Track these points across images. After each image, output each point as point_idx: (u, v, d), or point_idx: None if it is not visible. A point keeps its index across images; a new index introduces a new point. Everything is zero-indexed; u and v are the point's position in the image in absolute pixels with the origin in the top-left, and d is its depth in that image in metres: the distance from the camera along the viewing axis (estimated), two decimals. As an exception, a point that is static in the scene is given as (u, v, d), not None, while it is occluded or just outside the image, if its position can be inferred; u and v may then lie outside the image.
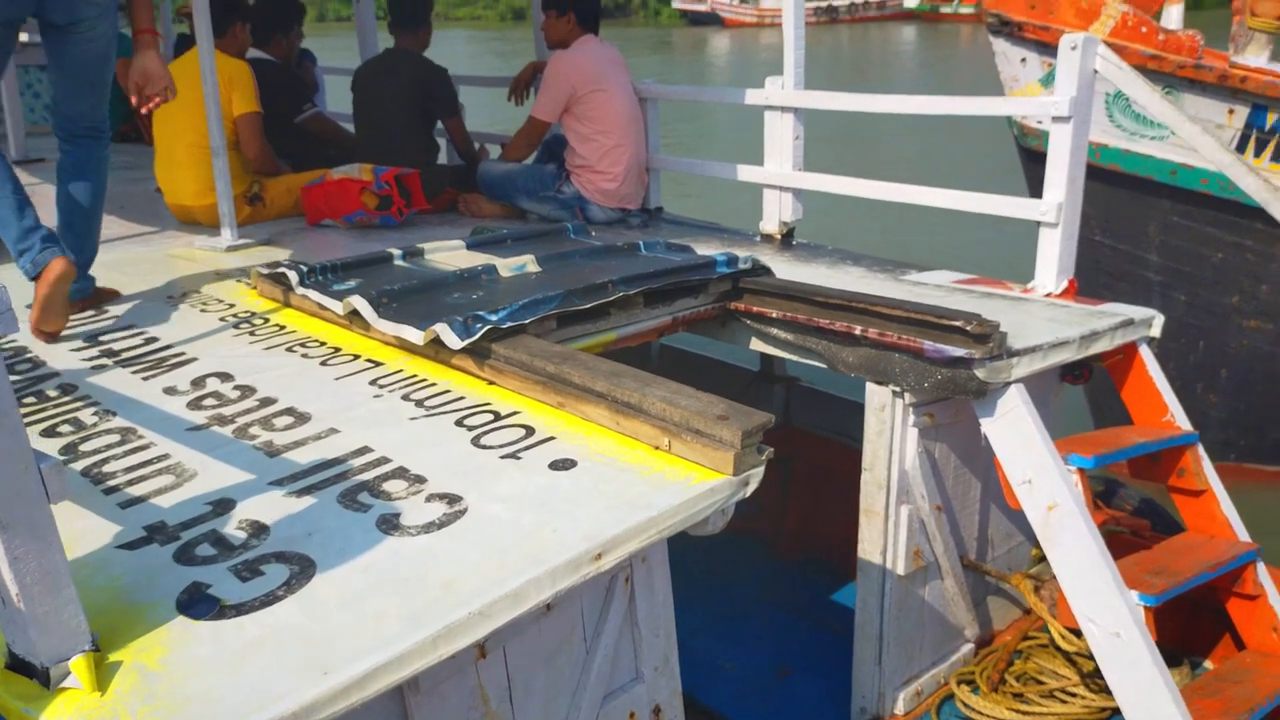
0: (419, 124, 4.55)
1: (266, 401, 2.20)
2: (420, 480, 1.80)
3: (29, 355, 2.56)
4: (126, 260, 3.68)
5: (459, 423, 2.04)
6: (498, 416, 2.06)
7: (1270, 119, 4.73)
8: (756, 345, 2.93)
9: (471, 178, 4.57)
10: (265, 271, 2.94)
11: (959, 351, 2.36)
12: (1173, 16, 5.24)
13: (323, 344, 2.57)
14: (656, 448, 1.88)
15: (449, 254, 3.05)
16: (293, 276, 2.76)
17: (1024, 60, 4.95)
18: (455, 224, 4.36)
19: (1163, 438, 2.73)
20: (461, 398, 2.17)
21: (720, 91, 4.35)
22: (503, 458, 1.87)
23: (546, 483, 1.77)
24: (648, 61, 34.15)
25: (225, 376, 2.37)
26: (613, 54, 4.36)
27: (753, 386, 4.55)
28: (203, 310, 2.93)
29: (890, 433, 2.60)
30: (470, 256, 3.01)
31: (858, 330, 2.54)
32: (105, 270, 3.33)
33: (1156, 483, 2.86)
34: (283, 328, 2.72)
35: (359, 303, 2.47)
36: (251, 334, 2.69)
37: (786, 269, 3.48)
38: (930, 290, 3.12)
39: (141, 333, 2.74)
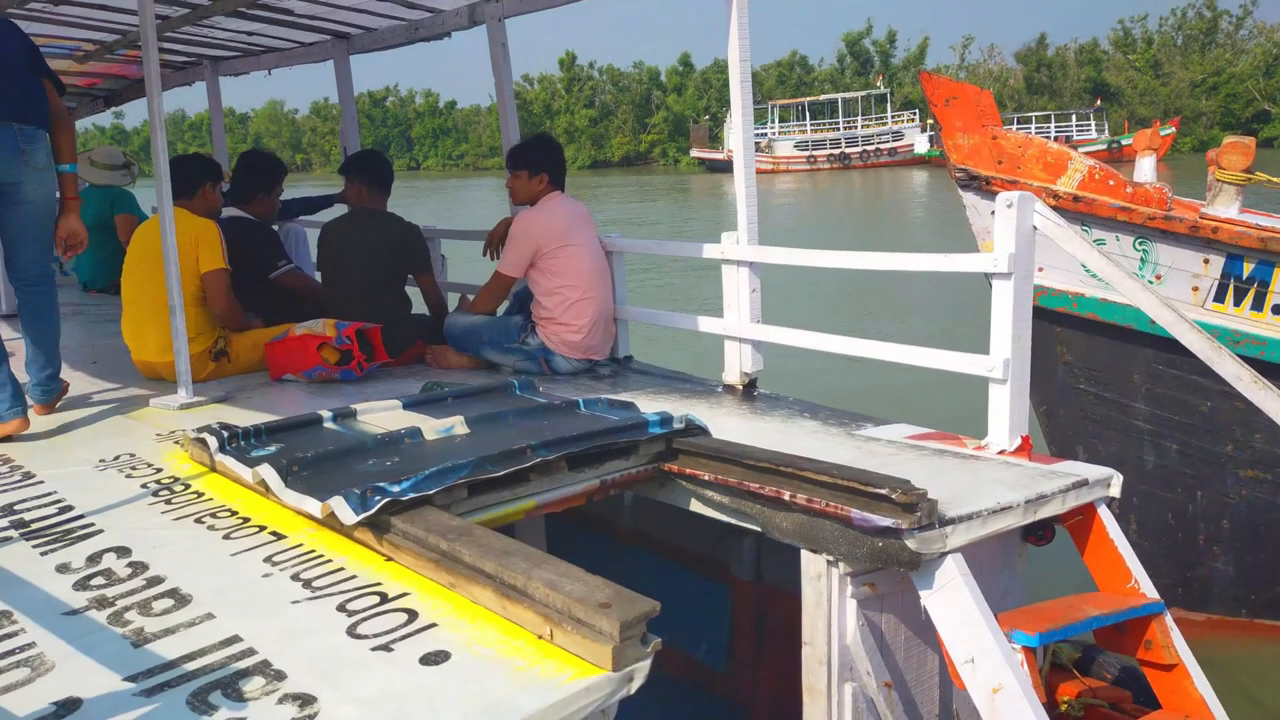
0: (389, 279, 4.59)
1: (153, 581, 2.10)
2: (279, 677, 1.67)
3: None
4: (79, 420, 3.66)
5: (341, 607, 1.92)
6: (384, 599, 1.94)
7: (1246, 268, 4.68)
8: (696, 506, 2.81)
9: (440, 331, 4.57)
10: (193, 435, 2.88)
11: (886, 521, 2.23)
12: (1145, 168, 5.28)
13: (234, 513, 2.49)
14: (540, 637, 1.75)
15: (382, 415, 2.99)
16: (212, 442, 2.70)
17: (994, 213, 4.96)
18: (420, 376, 4.33)
19: (1124, 608, 2.55)
20: (353, 576, 2.06)
21: (680, 246, 4.38)
22: (374, 649, 1.75)
23: (411, 682, 1.64)
24: (669, 206, 35.18)
25: (123, 551, 2.28)
26: (578, 210, 4.42)
27: (725, 540, 4.39)
28: (128, 476, 2.86)
29: (828, 604, 2.45)
30: (402, 417, 2.95)
31: (786, 495, 2.43)
32: (56, 434, 3.48)
33: (1125, 654, 2.67)
34: (200, 495, 2.65)
35: (267, 473, 2.40)
36: (168, 502, 2.62)
37: (739, 424, 3.40)
38: (880, 448, 3.01)
39: (59, 501, 2.67)
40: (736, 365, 3.92)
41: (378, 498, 2.14)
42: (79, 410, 3.86)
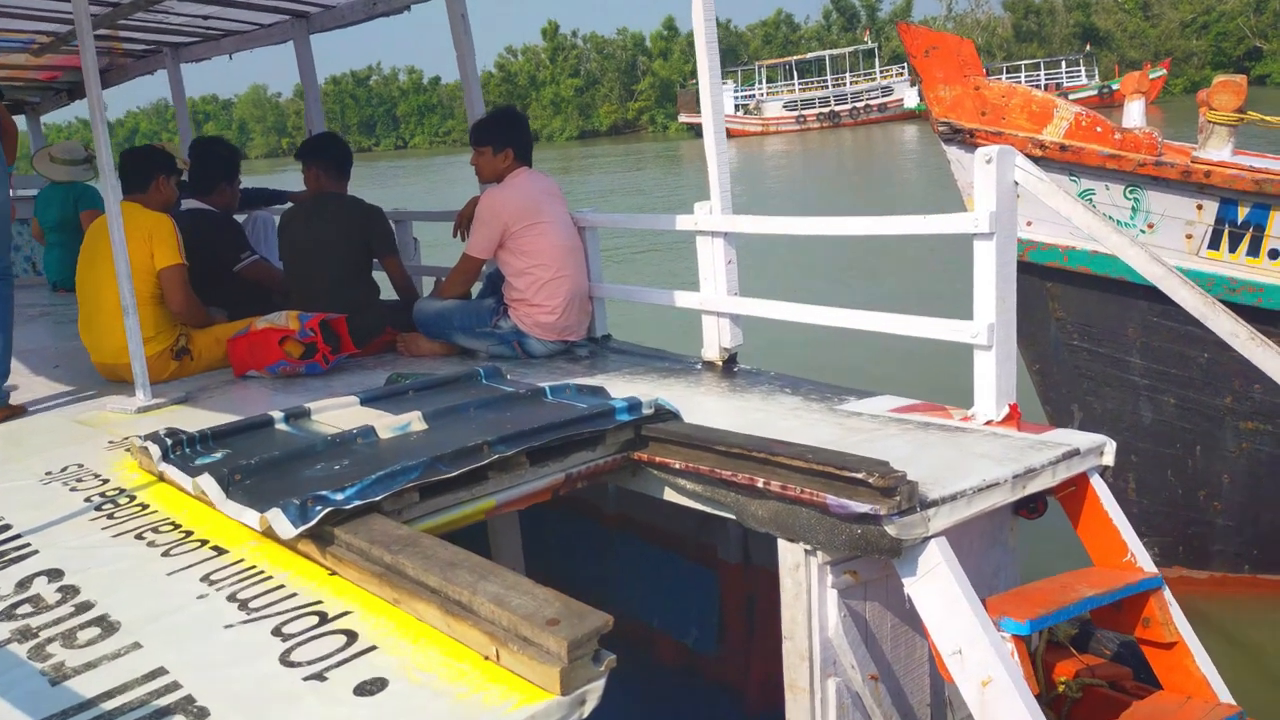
0: (354, 265, 4.43)
1: (82, 607, 1.97)
2: (202, 715, 1.54)
3: None
4: (29, 430, 3.52)
5: (277, 630, 1.79)
6: (323, 620, 1.81)
7: (1241, 212, 4.52)
8: (670, 495, 2.68)
9: (410, 316, 4.42)
10: (139, 443, 2.74)
11: (864, 507, 2.10)
12: (1134, 113, 5.10)
13: (177, 527, 2.35)
14: (486, 658, 1.62)
15: (338, 413, 2.85)
16: (155, 451, 2.56)
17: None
18: (390, 366, 4.18)
19: (1119, 585, 2.42)
20: (294, 594, 1.92)
21: (652, 219, 4.22)
22: (307, 679, 1.62)
23: (340, 716, 1.51)
24: (657, 174, 34.85)
25: (55, 575, 2.15)
26: (547, 185, 4.25)
27: (710, 522, 4.27)
28: (73, 489, 2.73)
29: (808, 595, 2.32)
30: (358, 415, 2.81)
31: (760, 482, 2.29)
32: (5, 445, 3.35)
33: (1123, 633, 2.55)
34: (145, 507, 2.51)
35: (207, 483, 2.26)
36: (110, 517, 2.48)
37: (717, 403, 3.26)
38: (862, 423, 2.87)
39: (-3, 519, 2.53)
40: (715, 341, 3.77)
41: (319, 507, 2.00)
42: (33, 417, 3.72)
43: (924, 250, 12.17)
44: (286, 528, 1.98)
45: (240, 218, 5.35)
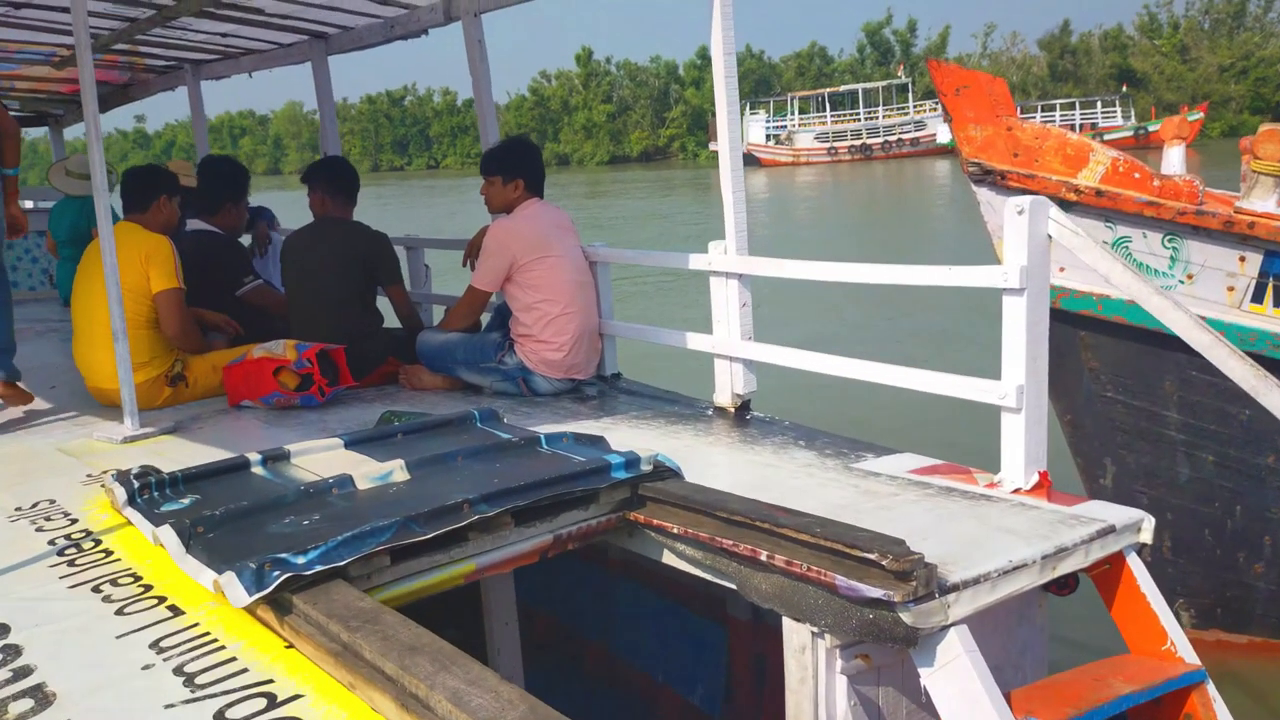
0: (356, 292, 4.28)
1: (21, 673, 1.81)
2: (118, 816, 1.37)
3: None
4: (10, 456, 3.40)
5: (220, 714, 1.62)
6: (271, 703, 1.63)
7: (1287, 265, 4.29)
8: (668, 559, 2.49)
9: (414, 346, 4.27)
10: (110, 483, 2.59)
11: (875, 591, 1.90)
12: (1173, 159, 4.90)
13: (136, 579, 2.19)
14: (441, 760, 1.44)
15: (319, 456, 2.68)
16: (120, 494, 2.41)
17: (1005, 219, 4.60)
18: (390, 399, 4.04)
19: (1159, 680, 2.20)
20: (244, 670, 1.75)
21: (665, 256, 4.05)
22: (242, 776, 1.44)
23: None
24: (686, 202, 34.78)
25: (2, 630, 1.99)
26: (558, 217, 4.10)
27: None
28: (39, 529, 2.58)
29: (814, 680, 2.12)
30: (340, 460, 2.65)
31: (764, 555, 2.10)
32: None
33: (1161, 730, 2.32)
34: (109, 554, 2.35)
35: (166, 536, 2.10)
36: (71, 564, 2.33)
37: (725, 456, 3.08)
38: (879, 485, 2.67)
39: (-47, 562, 2.39)
40: (728, 386, 3.59)
41: (276, 572, 1.84)
42: (17, 442, 3.60)
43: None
44: (240, 595, 1.82)
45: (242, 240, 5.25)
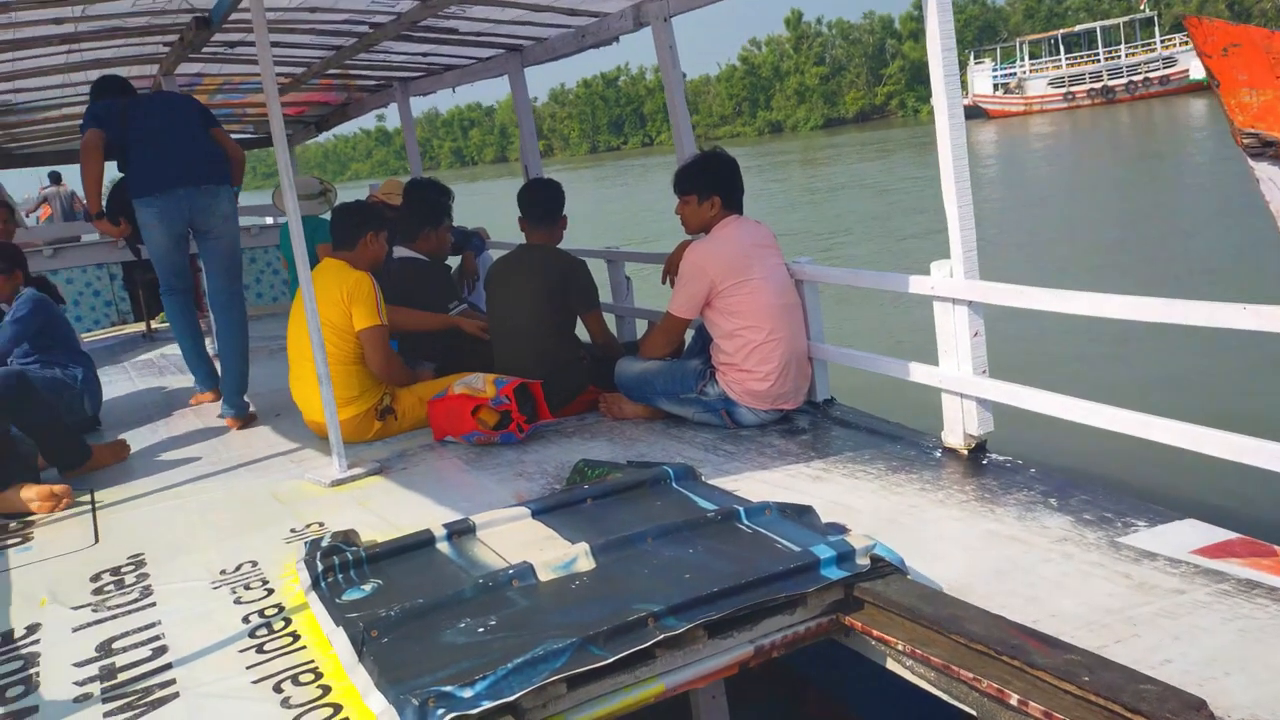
0: (553, 321, 4.13)
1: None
2: None
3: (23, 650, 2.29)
4: (226, 501, 3.48)
5: None
6: None
7: None
8: (893, 666, 2.13)
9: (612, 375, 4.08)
10: (299, 566, 2.53)
11: (1165, 773, 1.48)
12: None
13: (318, 676, 2.08)
14: None
15: (505, 529, 2.51)
16: (305, 578, 2.33)
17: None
18: (590, 432, 3.87)
19: None
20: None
21: (879, 277, 3.61)
22: None
23: None
24: (906, 161, 33.14)
25: (182, 736, 1.94)
26: (760, 235, 3.77)
27: None
28: (238, 600, 2.56)
29: None
30: (526, 532, 2.46)
31: (1013, 700, 1.71)
32: (204, 511, 3.41)
33: None
34: (295, 640, 2.28)
35: (339, 641, 1.98)
36: (260, 650, 2.26)
37: (957, 528, 2.64)
38: (1155, 576, 2.18)
39: (155, 639, 2.39)
40: (959, 425, 3.15)
41: (440, 710, 1.65)
42: (238, 482, 3.70)
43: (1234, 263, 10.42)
44: (399, 741, 1.64)
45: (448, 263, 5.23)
